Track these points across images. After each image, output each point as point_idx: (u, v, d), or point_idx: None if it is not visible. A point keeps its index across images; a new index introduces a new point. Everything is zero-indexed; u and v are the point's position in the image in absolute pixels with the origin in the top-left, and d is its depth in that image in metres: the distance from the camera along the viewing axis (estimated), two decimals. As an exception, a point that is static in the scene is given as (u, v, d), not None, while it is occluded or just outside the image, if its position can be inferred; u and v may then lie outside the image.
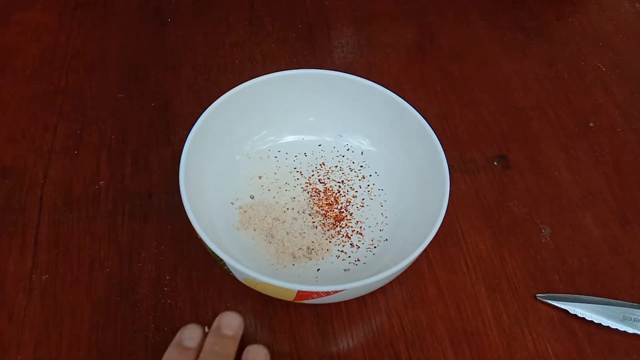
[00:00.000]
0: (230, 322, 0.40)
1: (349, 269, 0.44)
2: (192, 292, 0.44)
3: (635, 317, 0.44)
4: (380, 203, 0.48)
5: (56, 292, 0.43)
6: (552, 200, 0.51)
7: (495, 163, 0.53)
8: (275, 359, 0.41)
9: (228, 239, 0.44)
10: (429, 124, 0.46)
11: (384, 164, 0.50)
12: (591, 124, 0.57)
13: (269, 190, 0.48)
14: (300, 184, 0.49)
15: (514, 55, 0.62)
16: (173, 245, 0.46)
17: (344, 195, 0.48)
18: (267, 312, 0.43)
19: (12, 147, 0.50)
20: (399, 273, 0.40)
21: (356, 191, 0.49)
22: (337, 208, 0.47)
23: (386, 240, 0.46)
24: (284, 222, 0.46)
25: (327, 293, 0.38)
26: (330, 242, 0.46)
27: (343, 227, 0.46)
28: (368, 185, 0.49)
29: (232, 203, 0.47)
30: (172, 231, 0.46)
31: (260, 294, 0.42)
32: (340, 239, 0.46)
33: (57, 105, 0.53)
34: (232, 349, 0.39)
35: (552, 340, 0.43)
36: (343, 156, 0.51)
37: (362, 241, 0.46)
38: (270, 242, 0.45)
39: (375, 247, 0.45)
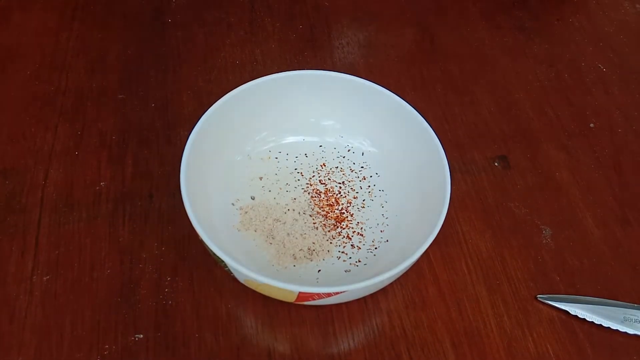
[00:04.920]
0: None
1: (349, 270, 0.44)
2: (193, 293, 0.44)
3: (636, 318, 0.44)
4: (381, 204, 0.48)
5: (57, 293, 0.43)
6: (552, 200, 0.51)
7: (495, 164, 0.53)
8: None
9: (229, 240, 0.44)
10: (429, 124, 0.46)
11: (385, 164, 0.50)
12: (592, 125, 0.57)
13: (270, 191, 0.48)
14: (301, 185, 0.49)
15: (514, 56, 0.62)
16: (174, 246, 0.46)
17: (345, 196, 0.48)
18: (267, 313, 0.43)
19: (12, 147, 0.50)
20: (400, 274, 0.40)
21: (357, 192, 0.49)
22: (337, 209, 0.47)
23: (387, 241, 0.46)
24: (284, 223, 0.46)
25: (328, 294, 0.38)
26: (331, 243, 0.46)
27: (344, 228, 0.46)
28: (369, 186, 0.49)
29: (232, 204, 0.47)
30: (173, 232, 0.46)
31: (260, 295, 0.42)
32: (341, 240, 0.46)
33: (57, 106, 0.53)
34: None
35: (553, 341, 0.43)
36: (344, 157, 0.51)
37: (363, 242, 0.46)
38: (271, 243, 0.45)
39: (376, 248, 0.45)
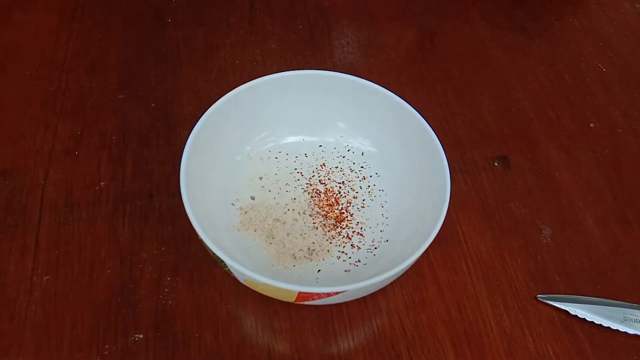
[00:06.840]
0: None
1: (349, 270, 0.44)
2: (193, 293, 0.44)
3: (636, 318, 0.44)
4: (381, 204, 0.48)
5: (57, 293, 0.43)
6: (552, 200, 0.51)
7: (495, 164, 0.53)
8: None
9: (229, 240, 0.44)
10: (429, 124, 0.46)
11: (385, 164, 0.50)
12: (592, 125, 0.57)
13: (270, 191, 0.48)
14: (301, 185, 0.49)
15: (514, 56, 0.62)
16: (174, 246, 0.46)
17: (345, 196, 0.48)
18: (267, 313, 0.43)
19: (12, 148, 0.50)
20: (399, 274, 0.40)
21: (357, 192, 0.49)
22: (337, 209, 0.47)
23: (387, 241, 0.46)
24: (284, 223, 0.46)
25: (328, 294, 0.38)
26: (330, 243, 0.46)
27: (344, 228, 0.46)
28: (369, 186, 0.49)
29: (232, 204, 0.47)
30: (173, 232, 0.46)
31: (260, 295, 0.42)
32: (341, 239, 0.46)
33: (57, 106, 0.53)
34: None
35: (553, 341, 0.43)
36: (344, 157, 0.51)
37: (363, 242, 0.46)
38: (270, 243, 0.45)
39: (376, 248, 0.46)
